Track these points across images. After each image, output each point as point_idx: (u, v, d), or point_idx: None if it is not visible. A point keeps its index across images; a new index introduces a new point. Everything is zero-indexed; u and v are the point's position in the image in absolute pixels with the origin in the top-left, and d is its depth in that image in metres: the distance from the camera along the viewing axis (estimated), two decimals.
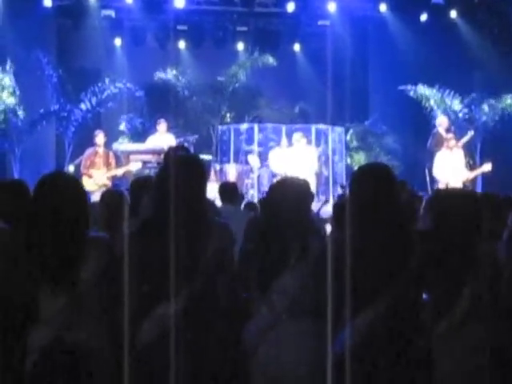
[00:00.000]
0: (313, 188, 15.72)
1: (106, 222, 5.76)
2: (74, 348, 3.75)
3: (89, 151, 14.21)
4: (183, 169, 4.10)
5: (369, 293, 3.92)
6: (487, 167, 14.70)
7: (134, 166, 13.87)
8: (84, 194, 4.11)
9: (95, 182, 13.75)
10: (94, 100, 17.99)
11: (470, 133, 16.09)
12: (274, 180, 4.77)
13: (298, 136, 15.93)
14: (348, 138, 19.02)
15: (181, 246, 3.86)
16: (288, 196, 4.25)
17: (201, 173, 4.26)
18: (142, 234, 4.09)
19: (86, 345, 3.77)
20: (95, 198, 13.00)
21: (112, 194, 6.33)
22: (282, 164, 15.63)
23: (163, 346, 3.83)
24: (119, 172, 14.00)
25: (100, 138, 14.15)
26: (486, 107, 18.38)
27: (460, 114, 18.45)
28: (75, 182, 4.12)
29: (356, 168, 4.51)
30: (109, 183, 13.81)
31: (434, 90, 18.55)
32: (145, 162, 14.09)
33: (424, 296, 4.22)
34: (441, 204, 4.40)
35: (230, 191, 8.51)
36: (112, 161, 14.07)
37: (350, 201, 4.17)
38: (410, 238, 4.08)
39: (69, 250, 3.81)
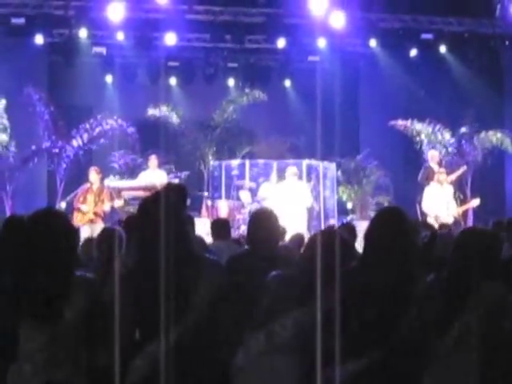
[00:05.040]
0: (304, 223, 15.74)
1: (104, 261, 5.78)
2: None
3: (83, 187, 14.16)
4: (160, 207, 3.97)
5: (365, 336, 3.89)
6: (475, 202, 14.77)
7: (117, 204, 13.97)
8: (74, 232, 4.08)
9: (83, 216, 13.73)
10: (85, 136, 17.98)
11: (463, 168, 16.17)
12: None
13: (291, 170, 15.94)
14: (339, 173, 19.03)
15: (170, 286, 3.79)
16: (258, 232, 4.29)
17: (179, 212, 4.12)
18: (131, 275, 4.03)
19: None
20: (83, 232, 13.05)
21: (109, 233, 6.29)
22: (273, 198, 15.63)
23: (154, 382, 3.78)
24: (106, 207, 13.95)
25: (93, 175, 14.07)
26: (476, 141, 18.49)
27: (450, 149, 18.53)
28: (65, 219, 4.05)
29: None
30: (96, 218, 13.76)
31: (425, 125, 18.65)
32: (135, 199, 14.09)
33: None
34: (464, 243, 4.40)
35: (221, 227, 8.50)
36: (105, 197, 13.94)
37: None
38: (415, 284, 4.06)
39: (54, 288, 3.76)
